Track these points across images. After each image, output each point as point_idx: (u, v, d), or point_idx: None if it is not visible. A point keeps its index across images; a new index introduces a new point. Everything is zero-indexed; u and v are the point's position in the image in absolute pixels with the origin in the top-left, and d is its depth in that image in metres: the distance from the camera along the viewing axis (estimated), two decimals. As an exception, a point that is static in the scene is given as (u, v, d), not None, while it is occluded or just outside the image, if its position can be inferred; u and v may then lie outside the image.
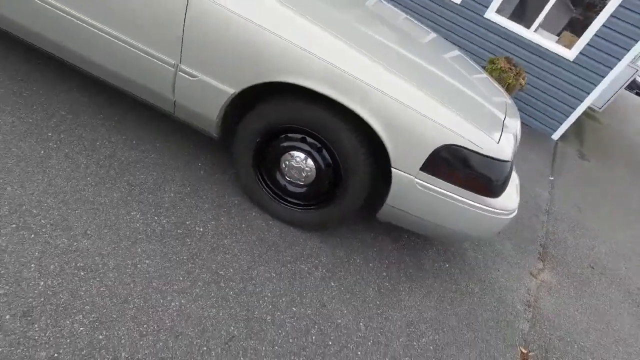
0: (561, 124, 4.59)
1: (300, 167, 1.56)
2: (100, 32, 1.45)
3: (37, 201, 1.33)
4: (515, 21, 4.54)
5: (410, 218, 1.54)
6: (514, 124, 1.72)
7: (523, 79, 4.00)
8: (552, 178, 3.59)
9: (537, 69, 4.48)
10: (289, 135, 1.54)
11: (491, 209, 1.47)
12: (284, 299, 1.40)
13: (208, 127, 1.59)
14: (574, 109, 4.45)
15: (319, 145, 1.51)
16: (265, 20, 1.29)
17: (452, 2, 4.79)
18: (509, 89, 3.95)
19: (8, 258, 1.15)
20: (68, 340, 1.04)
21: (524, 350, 1.66)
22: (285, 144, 1.55)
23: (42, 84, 1.83)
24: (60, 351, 1.01)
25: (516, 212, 1.62)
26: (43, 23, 1.52)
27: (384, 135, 1.35)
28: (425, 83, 1.39)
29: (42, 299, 1.09)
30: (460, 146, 1.34)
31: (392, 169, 1.41)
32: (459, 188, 1.42)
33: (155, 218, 1.47)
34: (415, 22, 2.35)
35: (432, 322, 1.59)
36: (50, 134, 1.61)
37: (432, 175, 1.40)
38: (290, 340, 1.28)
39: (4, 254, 1.15)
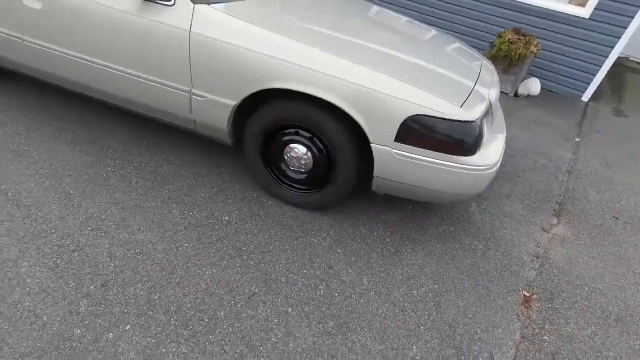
0: (589, 83, 4.42)
1: (298, 156, 1.86)
2: (132, 76, 1.88)
3: (104, 210, 1.77)
4: (521, -9, 4.51)
5: (399, 186, 1.77)
6: (487, 85, 1.88)
7: (535, 46, 3.97)
8: (578, 139, 3.52)
9: (553, 34, 4.39)
10: (285, 131, 1.85)
11: (468, 166, 1.65)
12: (295, 265, 1.69)
13: (223, 137, 1.96)
14: (600, 66, 4.27)
15: (309, 135, 1.81)
16: (244, 41, 1.62)
17: (454, -14, 4.87)
18: (520, 58, 3.95)
19: (88, 250, 1.57)
20: (133, 301, 1.42)
21: (526, 294, 1.78)
22: (283, 139, 1.86)
23: (96, 125, 2.34)
24: (128, 308, 1.39)
25: (498, 165, 1.77)
26: (93, 77, 2.00)
27: (358, 117, 1.61)
28: (385, 66, 1.63)
29: (114, 275, 1.49)
30: (423, 114, 1.56)
31: (371, 145, 1.66)
32: (432, 152, 1.62)
33: (190, 213, 1.85)
34: (387, 11, 2.57)
35: (432, 275, 1.78)
36: (108, 161, 2.08)
37: (406, 144, 1.62)
38: (301, 294, 1.56)
39: (85, 247, 1.58)
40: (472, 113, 1.62)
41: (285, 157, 1.92)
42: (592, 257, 2.09)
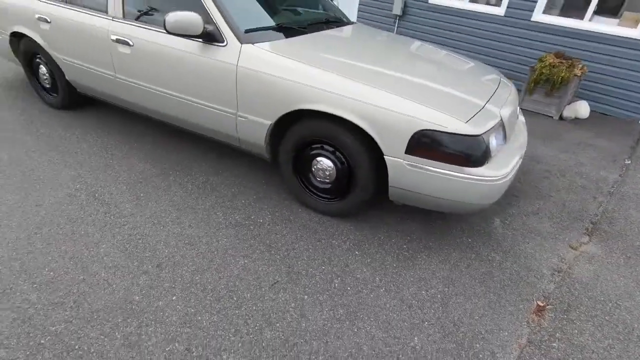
0: (646, 105, 4.18)
1: (324, 168, 2.13)
2: (194, 102, 2.32)
3: (164, 209, 2.17)
4: (566, 16, 4.50)
5: (412, 195, 1.94)
6: (500, 103, 2.02)
7: (580, 69, 3.91)
8: (628, 162, 3.35)
9: (604, 56, 4.28)
10: (312, 146, 2.14)
11: (475, 177, 1.79)
12: (316, 261, 1.91)
13: (262, 152, 2.30)
14: (658, 87, 4.05)
15: (332, 149, 2.07)
16: (280, 72, 1.97)
17: (495, 15, 4.99)
18: (563, 81, 3.90)
19: (150, 239, 1.96)
20: (180, 279, 1.74)
21: (540, 304, 1.80)
22: (311, 153, 2.15)
23: (164, 145, 2.84)
24: (175, 284, 1.71)
25: (509, 178, 1.88)
26: (166, 104, 2.49)
27: (373, 133, 1.85)
28: (400, 89, 1.87)
29: (167, 259, 1.85)
30: (429, 129, 1.75)
31: (385, 157, 1.88)
32: (440, 163, 1.80)
33: (232, 216, 2.18)
34: (425, 44, 2.81)
35: (443, 279, 1.89)
36: (171, 172, 2.52)
37: (416, 155, 1.82)
38: (318, 286, 1.78)
39: (148, 237, 1.97)
40: (478, 128, 1.78)
41: (313, 169, 2.19)
42: (623, 275, 2.03)
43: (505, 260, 2.05)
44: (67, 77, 2.96)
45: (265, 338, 1.51)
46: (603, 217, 2.52)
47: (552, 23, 4.57)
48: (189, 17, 2.01)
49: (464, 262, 2.02)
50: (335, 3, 3.24)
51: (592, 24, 4.32)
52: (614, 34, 4.18)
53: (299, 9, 2.79)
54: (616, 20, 4.21)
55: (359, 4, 6.56)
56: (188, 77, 2.26)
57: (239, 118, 2.21)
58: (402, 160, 1.85)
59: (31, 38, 2.92)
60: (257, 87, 2.05)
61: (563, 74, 3.89)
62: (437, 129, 1.75)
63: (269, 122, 2.11)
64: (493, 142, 1.87)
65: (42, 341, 1.42)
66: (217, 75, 2.15)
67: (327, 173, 2.14)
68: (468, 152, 1.77)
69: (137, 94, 2.57)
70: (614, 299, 1.87)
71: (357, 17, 6.67)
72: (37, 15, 2.79)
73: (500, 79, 2.45)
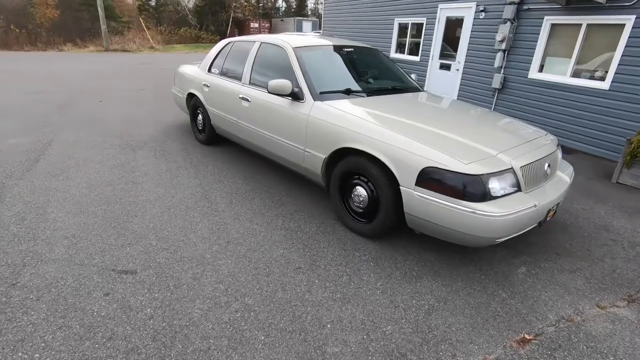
0: None
1: (359, 194, 2.69)
2: (280, 140, 3.24)
3: (244, 212, 3.03)
4: (683, 90, 4.15)
5: (424, 222, 2.33)
6: (517, 156, 2.30)
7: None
8: None
9: None
10: (353, 177, 2.74)
11: (472, 210, 2.11)
12: (335, 262, 2.42)
13: (319, 180, 3.01)
14: None
15: (366, 180, 2.64)
16: (336, 120, 2.72)
17: (599, 89, 4.88)
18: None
19: (230, 227, 2.79)
20: (237, 252, 2.48)
21: (527, 337, 1.88)
22: (352, 182, 2.75)
23: (259, 171, 3.82)
24: (234, 254, 2.46)
25: (510, 217, 2.11)
26: (265, 142, 3.48)
27: (392, 166, 2.38)
28: (420, 136, 2.38)
29: (234, 239, 2.63)
30: (434, 167, 2.20)
31: (400, 187, 2.36)
32: (444, 195, 2.19)
33: (287, 223, 2.89)
34: (464, 104, 3.23)
35: (439, 297, 2.15)
36: (257, 190, 3.43)
37: (424, 187, 2.25)
38: (329, 277, 2.27)
39: (228, 226, 2.81)
40: (477, 170, 2.13)
41: (352, 196, 2.77)
42: (649, 341, 1.90)
43: (510, 298, 2.17)
44: (212, 122, 4.33)
45: (277, 297, 2.08)
46: (660, 290, 2.31)
47: None
48: (283, 83, 2.98)
49: (466, 290, 2.22)
50: (413, 77, 3.92)
51: None
52: None
53: (371, 79, 3.58)
54: None
55: (461, 79, 7.08)
56: (279, 123, 3.21)
57: (306, 152, 3.00)
58: (412, 191, 2.30)
59: (197, 97, 4.45)
60: (318, 130, 2.83)
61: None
62: (441, 167, 2.18)
63: (324, 156, 2.83)
64: (495, 184, 2.17)
65: (159, 260, 2.30)
66: (296, 122, 3.03)
67: (361, 199, 2.69)
68: (465, 188, 2.12)
69: (249, 134, 3.66)
70: (620, 356, 1.81)
71: (459, 91, 7.17)
72: (203, 82, 4.29)
73: (537, 138, 2.67)
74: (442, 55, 7.55)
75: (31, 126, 5.13)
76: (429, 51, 7.76)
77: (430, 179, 2.22)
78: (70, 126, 5.22)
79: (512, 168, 2.26)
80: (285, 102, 3.14)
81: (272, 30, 30.12)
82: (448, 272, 2.40)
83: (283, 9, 43.36)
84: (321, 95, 3.00)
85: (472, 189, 2.12)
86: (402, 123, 2.61)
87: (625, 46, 4.58)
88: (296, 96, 3.05)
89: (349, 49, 3.81)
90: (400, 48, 8.79)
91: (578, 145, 5.26)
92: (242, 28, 31.96)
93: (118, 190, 3.30)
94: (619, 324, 2.02)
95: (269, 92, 3.07)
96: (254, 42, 3.83)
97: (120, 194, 3.23)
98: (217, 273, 2.26)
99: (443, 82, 7.58)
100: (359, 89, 3.26)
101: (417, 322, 1.96)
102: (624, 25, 4.59)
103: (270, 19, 33.00)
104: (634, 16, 4.45)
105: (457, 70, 7.17)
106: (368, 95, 3.17)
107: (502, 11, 5.96)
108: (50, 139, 4.59)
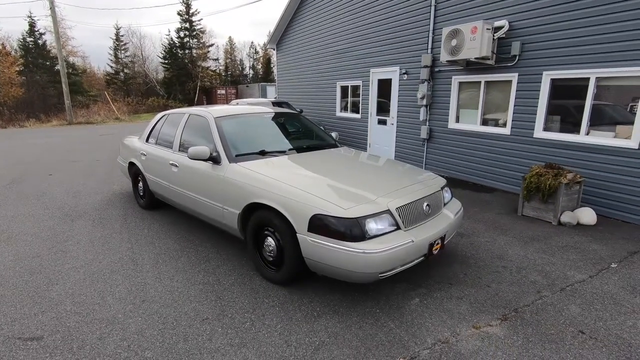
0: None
1: (270, 244, 2.94)
2: (203, 200, 3.50)
3: (167, 271, 3.18)
4: (565, 132, 4.85)
5: (319, 265, 2.59)
6: (394, 197, 2.66)
7: (569, 178, 4.09)
8: (614, 265, 3.23)
9: (602, 165, 4.37)
10: (264, 229, 3.00)
11: (352, 249, 2.40)
12: (243, 309, 2.59)
13: (238, 234, 3.25)
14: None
15: (273, 230, 2.91)
16: (246, 179, 3.04)
17: (502, 134, 5.57)
18: (551, 188, 4.09)
19: (149, 287, 2.93)
20: (150, 304, 2.60)
21: (402, 359, 2.09)
22: (263, 233, 3.01)
23: (192, 229, 4.01)
24: (145, 306, 2.58)
25: (384, 253, 2.40)
26: (191, 202, 3.74)
27: (289, 216, 2.68)
28: (310, 187, 2.72)
29: (151, 298, 2.76)
30: (319, 214, 2.51)
31: (297, 234, 2.64)
32: (329, 238, 2.48)
33: (207, 277, 3.05)
34: (366, 155, 3.68)
35: (331, 333, 2.34)
36: (185, 248, 3.60)
37: (315, 233, 2.54)
38: (233, 324, 2.43)
39: (148, 285, 2.95)
40: (354, 214, 2.46)
41: (264, 245, 3.01)
42: (508, 353, 2.14)
43: (397, 328, 2.39)
44: (150, 188, 4.57)
45: (177, 347, 2.21)
46: (532, 308, 2.61)
47: (551, 138, 4.94)
48: (201, 150, 3.33)
49: (359, 324, 2.43)
50: (334, 135, 4.40)
51: (589, 137, 4.57)
52: (609, 145, 4.35)
53: (289, 141, 4.01)
54: (611, 133, 4.41)
55: (396, 132, 7.79)
56: (202, 184, 3.50)
57: (224, 210, 3.27)
58: (306, 237, 2.58)
59: (137, 165, 4.73)
60: (232, 189, 3.14)
61: (549, 181, 4.12)
62: (325, 214, 2.50)
63: (238, 211, 3.10)
64: (372, 225, 2.49)
65: (69, 324, 2.39)
66: (215, 182, 3.34)
67: (271, 248, 2.93)
68: (345, 231, 2.43)
69: (180, 196, 3.91)
70: (479, 369, 2.03)
71: (395, 143, 7.84)
72: (141, 152, 4.60)
73: (419, 182, 3.08)
74: (380, 112, 8.33)
75: (-29, 204, 5.17)
76: (368, 109, 8.55)
77: (318, 224, 2.52)
78: (14, 201, 5.29)
79: (388, 209, 2.61)
80: (207, 165, 3.46)
81: (238, 95, 31.70)
82: (347, 309, 2.61)
83: (250, 75, 46.10)
84: (237, 157, 3.35)
85: (351, 230, 2.43)
86: (302, 177, 2.97)
87: (516, 97, 5.36)
88: (215, 160, 3.39)
89: (272, 115, 4.29)
90: (344, 107, 9.61)
91: (495, 184, 5.82)
92: (209, 95, 33.47)
93: (45, 260, 3.39)
94: (487, 341, 2.27)
95: (189, 158, 3.40)
96: (184, 113, 4.24)
97: (46, 263, 3.32)
98: (124, 331, 2.37)
99: (382, 136, 8.28)
100: (276, 149, 3.65)
101: (304, 357, 2.13)
102: (511, 81, 5.40)
103: (237, 86, 34.84)
104: (517, 73, 5.28)
105: (392, 124, 7.91)
106: (282, 155, 3.56)
107: (420, 73, 6.83)
108: (-12, 216, 4.65)
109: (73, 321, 2.48)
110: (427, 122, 6.94)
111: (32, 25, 28.04)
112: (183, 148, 3.93)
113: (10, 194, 5.70)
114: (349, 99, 9.35)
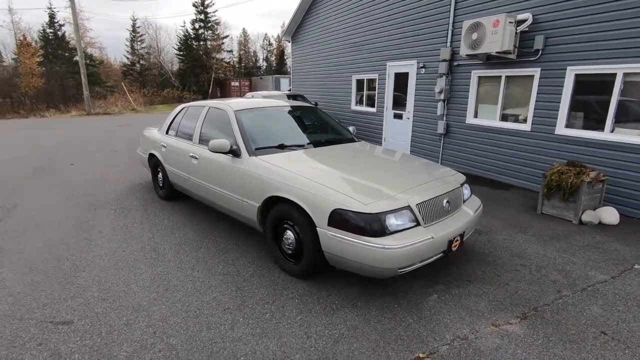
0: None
1: (288, 237, 2.98)
2: (224, 192, 3.56)
3: (188, 260, 3.26)
4: (588, 129, 4.74)
5: (339, 259, 2.61)
6: (413, 194, 2.66)
7: (591, 176, 4.00)
8: (638, 266, 3.18)
9: (627, 164, 4.26)
10: (283, 222, 3.04)
11: (372, 244, 2.41)
12: (263, 300, 2.64)
13: (256, 225, 3.30)
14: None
15: (292, 224, 2.94)
16: (266, 172, 3.07)
17: (522, 130, 5.47)
18: (573, 187, 4.02)
19: (171, 276, 3.01)
20: (173, 293, 2.68)
21: (421, 355, 2.11)
22: (282, 226, 3.05)
23: (210, 220, 4.08)
24: (170, 295, 2.66)
25: (404, 249, 2.41)
26: (212, 194, 3.80)
27: (309, 210, 2.70)
28: (331, 182, 2.74)
29: (174, 285, 2.84)
30: (339, 208, 2.53)
31: (317, 228, 2.67)
32: (350, 233, 2.50)
33: (226, 268, 3.12)
34: (380, 148, 3.67)
35: (350, 326, 2.37)
36: (204, 239, 3.68)
37: (335, 227, 2.57)
38: (254, 314, 2.48)
39: (170, 275, 3.03)
40: (375, 209, 2.47)
41: (283, 239, 3.05)
42: (528, 352, 2.14)
43: (415, 323, 2.41)
44: (169, 179, 4.66)
45: (201, 336, 2.28)
46: (553, 307, 2.59)
47: (574, 135, 4.83)
48: (221, 142, 3.37)
49: (377, 318, 2.46)
50: (351, 129, 4.39)
51: (614, 135, 4.46)
52: (634, 143, 4.24)
53: (307, 134, 4.02)
54: (638, 131, 4.29)
55: (412, 127, 7.72)
56: (222, 177, 3.55)
57: (244, 202, 3.32)
58: (326, 231, 2.60)
59: (157, 156, 4.81)
60: (252, 181, 3.18)
61: (571, 180, 4.04)
62: (345, 208, 2.51)
63: (258, 204, 3.15)
64: (392, 221, 2.50)
65: (97, 310, 2.48)
66: (235, 175, 3.38)
67: (290, 241, 2.97)
68: (365, 226, 2.44)
69: (199, 188, 3.98)
70: (498, 366, 2.04)
71: (411, 137, 7.77)
72: (161, 143, 4.68)
73: (439, 178, 3.06)
74: (395, 106, 8.26)
75: (1, 192, 5.36)
76: (383, 103, 8.48)
77: (338, 219, 2.54)
78: (39, 189, 5.46)
79: (408, 206, 2.61)
80: (227, 158, 3.51)
81: (252, 88, 31.80)
82: (365, 303, 2.64)
83: (264, 67, 46.08)
84: (256, 150, 3.39)
85: (371, 225, 2.44)
86: (321, 171, 2.99)
87: (537, 93, 5.24)
88: (235, 153, 3.43)
89: (289, 109, 4.30)
90: (359, 101, 9.55)
91: (513, 181, 5.74)
92: (223, 87, 33.66)
93: (72, 247, 3.50)
94: (506, 339, 2.27)
95: (210, 151, 3.45)
96: (204, 106, 4.29)
97: (73, 250, 3.43)
98: (149, 318, 2.45)
99: (397, 130, 8.22)
100: (295, 143, 3.67)
101: (324, 349, 2.17)
102: (533, 76, 5.28)
103: (251, 78, 34.94)
104: (539, 68, 5.16)
105: (408, 119, 7.83)
106: (301, 149, 3.58)
107: (438, 67, 6.73)
108: (16, 203, 4.81)
109: (100, 307, 2.57)
110: (445, 117, 6.86)
111: (52, 16, 28.54)
112: (203, 140, 3.98)
113: (35, 182, 5.88)
114: (364, 92, 9.29)
